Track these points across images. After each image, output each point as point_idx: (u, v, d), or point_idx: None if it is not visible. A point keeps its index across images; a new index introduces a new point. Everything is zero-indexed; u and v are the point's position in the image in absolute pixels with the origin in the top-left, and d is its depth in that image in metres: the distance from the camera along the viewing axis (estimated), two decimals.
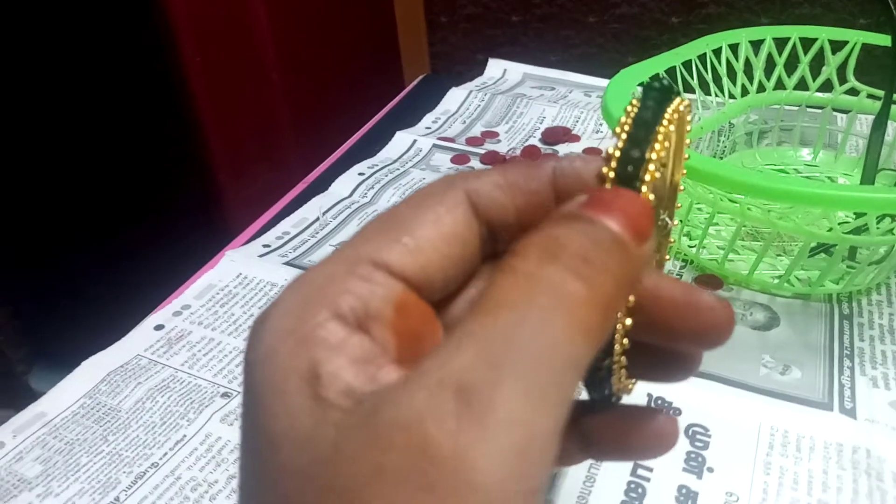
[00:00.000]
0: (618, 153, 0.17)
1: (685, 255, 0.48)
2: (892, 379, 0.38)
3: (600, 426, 0.21)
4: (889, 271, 0.45)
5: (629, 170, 0.17)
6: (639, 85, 0.19)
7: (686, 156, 0.21)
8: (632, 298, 0.17)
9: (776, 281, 0.44)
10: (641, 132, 0.17)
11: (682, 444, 0.34)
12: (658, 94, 0.18)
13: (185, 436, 0.36)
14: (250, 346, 0.16)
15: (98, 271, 0.96)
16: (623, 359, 0.18)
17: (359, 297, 0.15)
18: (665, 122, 0.18)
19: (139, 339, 0.43)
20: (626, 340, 0.18)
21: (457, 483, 0.12)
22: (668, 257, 0.23)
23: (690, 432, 0.35)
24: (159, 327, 0.43)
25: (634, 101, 0.18)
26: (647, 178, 0.17)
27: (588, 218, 0.15)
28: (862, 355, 0.39)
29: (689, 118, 0.20)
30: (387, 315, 0.16)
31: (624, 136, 0.17)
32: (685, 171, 0.20)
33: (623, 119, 0.18)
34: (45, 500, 0.33)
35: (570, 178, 0.19)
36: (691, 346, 0.19)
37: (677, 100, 0.19)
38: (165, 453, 0.35)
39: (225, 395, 0.38)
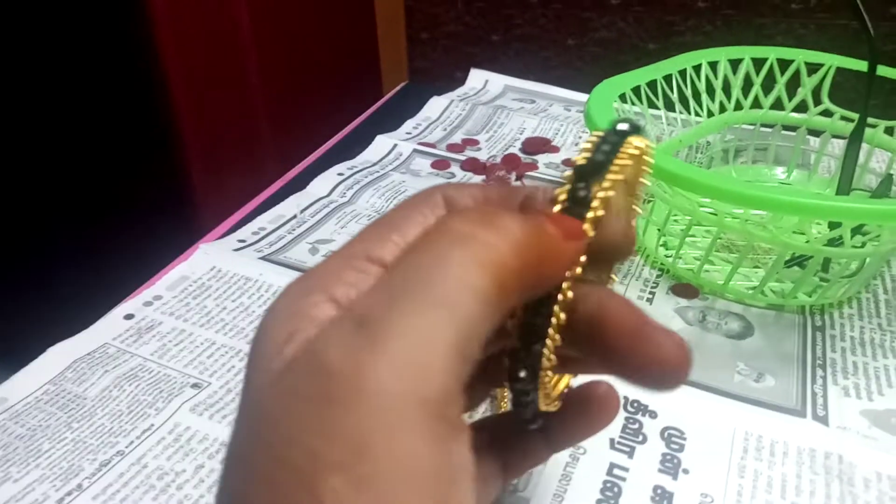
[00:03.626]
0: (568, 186, 0.19)
1: (662, 264, 0.48)
2: (863, 389, 0.38)
3: (556, 421, 0.23)
4: (860, 286, 0.45)
5: (576, 203, 0.19)
6: (616, 121, 0.20)
7: (640, 195, 0.23)
8: (563, 317, 0.19)
9: (751, 291, 0.45)
10: (590, 171, 0.19)
11: (658, 446, 0.34)
12: (617, 139, 0.20)
13: (152, 425, 0.35)
14: (256, 331, 0.18)
15: (69, 264, 0.94)
16: (549, 374, 0.20)
17: (352, 285, 0.17)
18: (616, 167, 0.19)
19: (108, 327, 0.42)
20: (553, 357, 0.19)
21: (351, 392, 0.14)
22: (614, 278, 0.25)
23: (666, 435, 0.35)
24: (129, 316, 0.42)
25: (596, 135, 0.20)
26: (590, 215, 0.19)
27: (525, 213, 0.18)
28: (834, 366, 0.40)
29: (648, 158, 0.21)
30: None
31: (576, 168, 0.20)
32: (639, 212, 0.22)
33: (583, 152, 0.20)
34: (3, 485, 0.31)
35: (538, 206, 0.20)
36: (635, 380, 0.20)
37: (637, 141, 0.20)
38: (132, 441, 0.34)
39: (195, 385, 0.37)
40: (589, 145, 0.20)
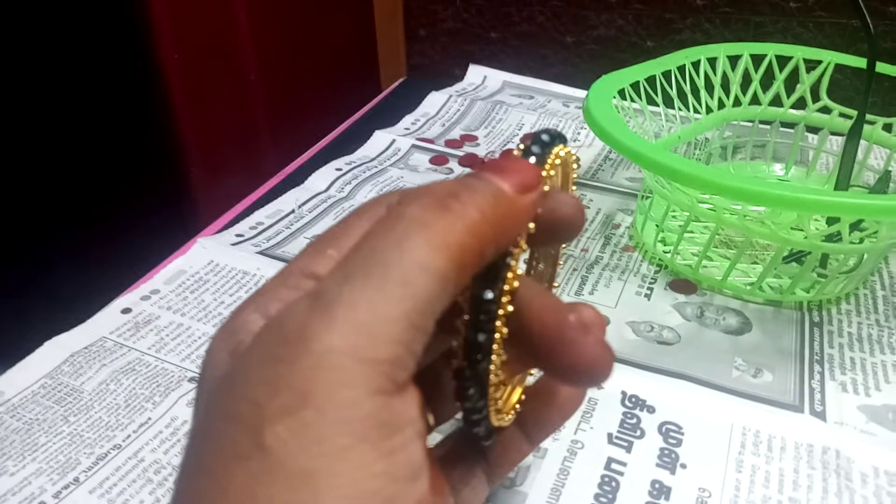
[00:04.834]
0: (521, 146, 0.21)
1: (660, 259, 0.48)
2: (860, 384, 0.38)
3: (527, 414, 0.23)
4: (858, 282, 0.45)
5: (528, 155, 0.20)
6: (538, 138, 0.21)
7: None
8: (506, 331, 0.19)
9: (749, 287, 0.45)
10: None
11: (656, 441, 0.34)
12: (544, 143, 0.20)
13: (149, 419, 0.35)
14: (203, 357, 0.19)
15: (67, 259, 0.93)
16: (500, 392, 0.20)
17: (284, 301, 0.18)
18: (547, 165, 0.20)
19: (105, 321, 0.41)
20: (500, 351, 0.19)
21: (299, 350, 0.15)
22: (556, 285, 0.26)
23: (664, 430, 0.35)
24: (126, 311, 0.42)
25: (521, 146, 0.21)
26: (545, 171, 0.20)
27: (478, 175, 0.19)
28: (831, 361, 0.40)
29: (573, 165, 0.22)
30: None
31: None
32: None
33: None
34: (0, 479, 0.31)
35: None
36: (563, 381, 0.21)
37: (560, 147, 0.21)
38: (129, 435, 0.34)
39: (192, 379, 0.37)
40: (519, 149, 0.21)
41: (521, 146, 0.20)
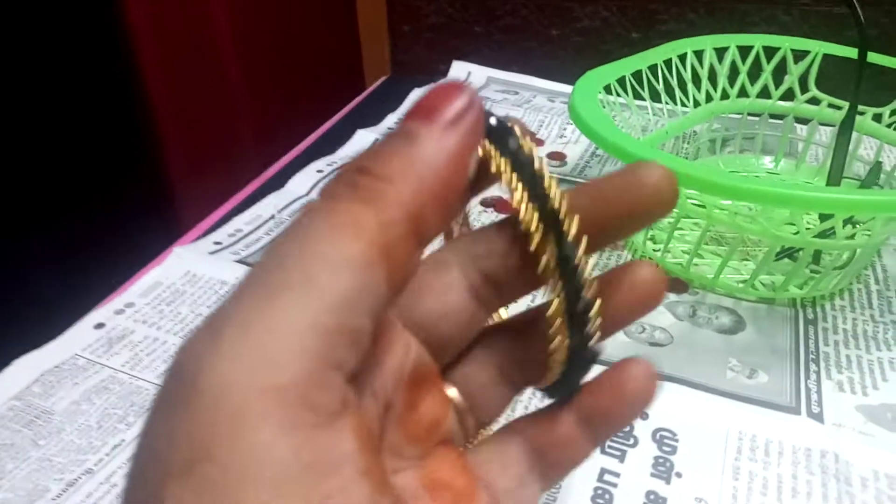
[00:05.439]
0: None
1: (650, 258, 0.47)
2: (857, 383, 0.37)
3: (593, 403, 0.20)
4: (852, 276, 0.44)
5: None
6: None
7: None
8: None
9: (741, 285, 0.44)
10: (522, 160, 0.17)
11: (650, 449, 0.33)
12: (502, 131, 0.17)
13: (123, 440, 0.33)
14: None
15: (39, 267, 0.91)
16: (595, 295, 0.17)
17: None
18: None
19: (77, 337, 0.40)
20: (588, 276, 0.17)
21: (192, 391, 0.13)
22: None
23: (658, 437, 0.34)
24: (100, 325, 0.41)
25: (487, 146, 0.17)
26: (553, 192, 0.17)
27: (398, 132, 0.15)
28: (827, 360, 0.39)
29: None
30: None
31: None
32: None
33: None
34: None
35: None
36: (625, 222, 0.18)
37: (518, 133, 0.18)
38: (101, 458, 0.32)
39: None
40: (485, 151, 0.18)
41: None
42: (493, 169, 0.17)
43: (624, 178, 0.18)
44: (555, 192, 0.17)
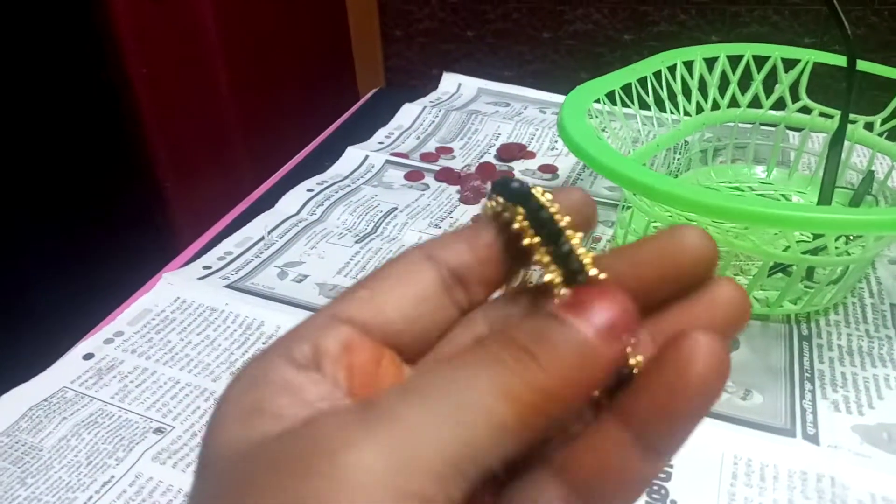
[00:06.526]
0: (547, 258, 0.17)
1: None
2: (853, 402, 0.37)
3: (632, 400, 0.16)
4: (846, 291, 0.44)
5: (569, 264, 0.17)
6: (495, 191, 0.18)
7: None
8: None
9: None
10: (550, 227, 0.17)
11: None
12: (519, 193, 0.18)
13: (112, 476, 0.33)
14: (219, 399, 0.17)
15: (25, 292, 0.91)
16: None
17: (310, 341, 0.17)
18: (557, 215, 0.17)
19: (66, 369, 0.40)
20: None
21: (331, 464, 0.13)
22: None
23: None
24: (88, 356, 0.40)
25: (498, 200, 0.18)
26: (587, 261, 0.17)
27: (560, 319, 0.15)
28: (822, 378, 0.39)
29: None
30: (334, 352, 0.17)
31: (537, 238, 0.17)
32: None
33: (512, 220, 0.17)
34: None
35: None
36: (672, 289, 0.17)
37: (539, 192, 0.18)
38: (91, 496, 0.32)
39: (158, 430, 0.36)
40: (492, 207, 0.18)
41: (493, 202, 0.17)
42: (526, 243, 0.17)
43: (662, 242, 0.17)
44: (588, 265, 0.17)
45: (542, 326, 0.15)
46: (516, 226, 0.17)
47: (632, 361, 0.16)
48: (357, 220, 0.53)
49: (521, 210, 0.17)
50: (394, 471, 0.13)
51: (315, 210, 0.55)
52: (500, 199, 0.17)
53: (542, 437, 0.16)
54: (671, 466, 0.33)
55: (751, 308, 0.18)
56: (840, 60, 0.51)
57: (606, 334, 0.15)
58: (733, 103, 0.57)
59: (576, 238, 0.17)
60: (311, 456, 0.14)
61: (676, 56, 0.55)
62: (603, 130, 0.48)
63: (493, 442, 0.14)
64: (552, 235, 0.17)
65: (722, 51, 0.56)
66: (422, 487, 0.13)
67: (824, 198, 0.45)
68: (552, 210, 0.17)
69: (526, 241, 0.17)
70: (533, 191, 0.17)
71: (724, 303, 0.17)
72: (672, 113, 0.54)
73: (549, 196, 0.18)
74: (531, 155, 0.63)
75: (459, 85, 0.78)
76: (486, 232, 0.18)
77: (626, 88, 0.51)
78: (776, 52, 0.57)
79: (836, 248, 0.40)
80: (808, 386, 0.38)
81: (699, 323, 0.17)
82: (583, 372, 0.15)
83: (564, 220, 0.17)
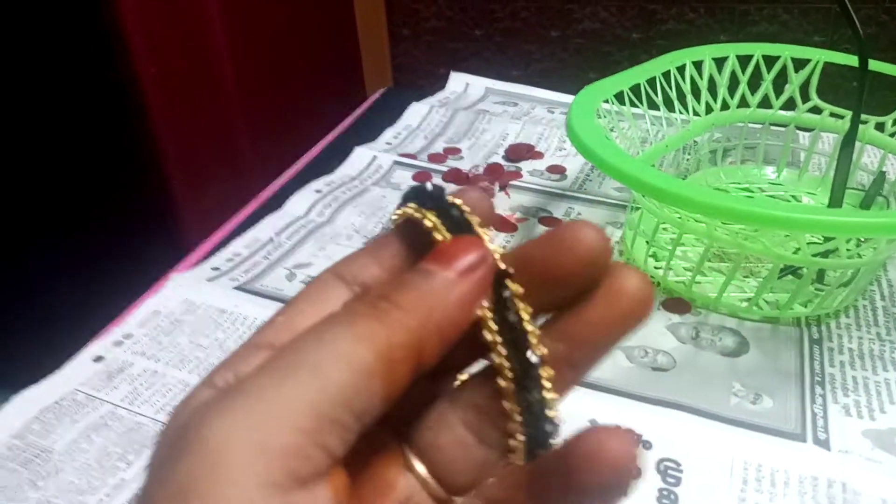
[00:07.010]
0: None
1: (652, 276, 0.47)
2: (864, 406, 0.37)
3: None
4: (857, 293, 0.44)
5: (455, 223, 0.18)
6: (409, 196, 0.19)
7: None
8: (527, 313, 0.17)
9: (745, 304, 0.43)
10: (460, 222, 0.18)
11: (654, 481, 0.33)
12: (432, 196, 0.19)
13: (123, 479, 0.33)
14: None
15: (34, 294, 0.91)
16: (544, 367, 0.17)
17: (232, 370, 0.17)
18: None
19: (76, 371, 0.40)
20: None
21: (190, 440, 0.15)
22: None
23: (662, 467, 0.33)
24: (98, 359, 0.41)
25: (411, 208, 0.18)
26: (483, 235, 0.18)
27: (423, 269, 0.17)
28: (833, 382, 0.38)
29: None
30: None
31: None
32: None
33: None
34: None
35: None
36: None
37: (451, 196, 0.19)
38: (101, 500, 0.32)
39: None
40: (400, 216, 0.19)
41: (401, 211, 0.18)
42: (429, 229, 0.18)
43: (550, 239, 0.18)
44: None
45: (403, 279, 0.17)
46: (428, 223, 0.18)
47: (533, 358, 0.17)
48: (365, 222, 0.53)
49: (431, 211, 0.18)
50: (251, 431, 0.14)
51: (323, 211, 0.55)
52: (413, 205, 0.18)
53: (417, 377, 0.17)
54: (681, 471, 0.33)
55: (653, 291, 0.18)
56: (851, 60, 0.51)
57: (466, 271, 0.17)
58: (743, 103, 0.57)
59: (486, 235, 0.18)
60: (181, 439, 0.15)
61: (686, 56, 0.55)
62: (611, 130, 0.48)
63: (362, 387, 0.15)
64: (462, 229, 0.18)
65: (731, 51, 0.56)
66: (288, 441, 0.14)
67: (835, 199, 0.45)
68: (464, 209, 0.18)
69: (438, 237, 0.18)
70: (445, 193, 0.19)
71: (629, 290, 0.18)
72: (681, 113, 0.54)
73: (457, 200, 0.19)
74: (539, 155, 0.63)
75: (467, 85, 0.78)
76: (391, 244, 0.19)
77: (635, 88, 0.51)
78: (786, 51, 0.56)
79: (848, 250, 0.39)
80: (818, 390, 0.38)
81: (607, 313, 0.18)
82: (445, 309, 0.17)
83: (475, 221, 0.18)
